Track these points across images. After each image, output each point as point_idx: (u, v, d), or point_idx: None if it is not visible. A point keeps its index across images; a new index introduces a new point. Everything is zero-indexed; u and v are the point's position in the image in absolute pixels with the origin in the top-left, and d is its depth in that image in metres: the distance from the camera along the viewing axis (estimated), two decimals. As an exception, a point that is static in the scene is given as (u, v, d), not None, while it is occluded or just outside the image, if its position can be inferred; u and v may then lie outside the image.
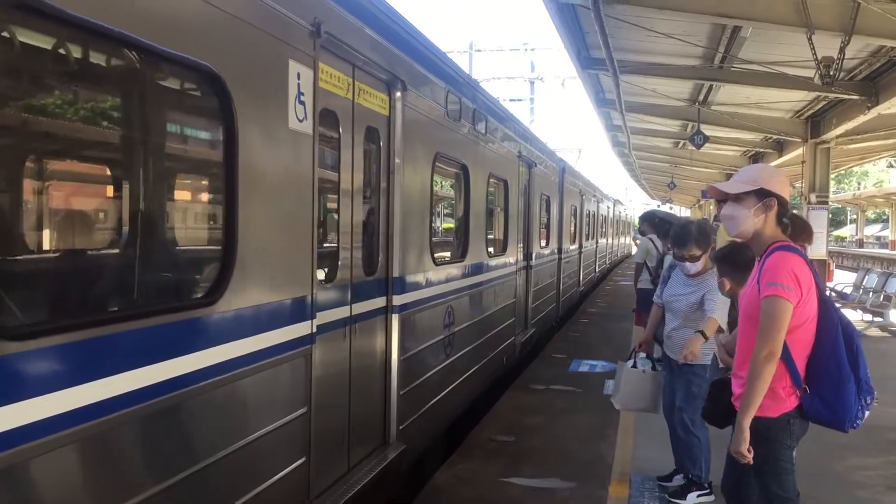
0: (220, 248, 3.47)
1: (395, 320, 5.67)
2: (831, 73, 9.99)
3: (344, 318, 4.97)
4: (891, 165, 71.70)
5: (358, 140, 5.14)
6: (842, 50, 9.79)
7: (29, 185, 3.10)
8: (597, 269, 25.72)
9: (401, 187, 5.74)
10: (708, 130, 18.83)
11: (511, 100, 33.15)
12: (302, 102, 4.14)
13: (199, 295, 3.43)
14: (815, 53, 9.90)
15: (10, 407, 2.33)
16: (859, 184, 76.99)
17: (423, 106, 6.31)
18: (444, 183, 8.17)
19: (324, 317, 4.55)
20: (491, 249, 9.16)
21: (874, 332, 14.85)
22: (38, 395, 2.43)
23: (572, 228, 18.26)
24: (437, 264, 6.84)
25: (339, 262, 4.94)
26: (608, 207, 31.05)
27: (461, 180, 7.93)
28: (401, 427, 5.67)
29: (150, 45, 2.92)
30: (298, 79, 4.09)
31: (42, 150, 3.20)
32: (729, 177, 34.29)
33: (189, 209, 4.03)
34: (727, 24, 11.28)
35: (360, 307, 5.23)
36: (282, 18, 3.93)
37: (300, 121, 4.10)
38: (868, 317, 15.72)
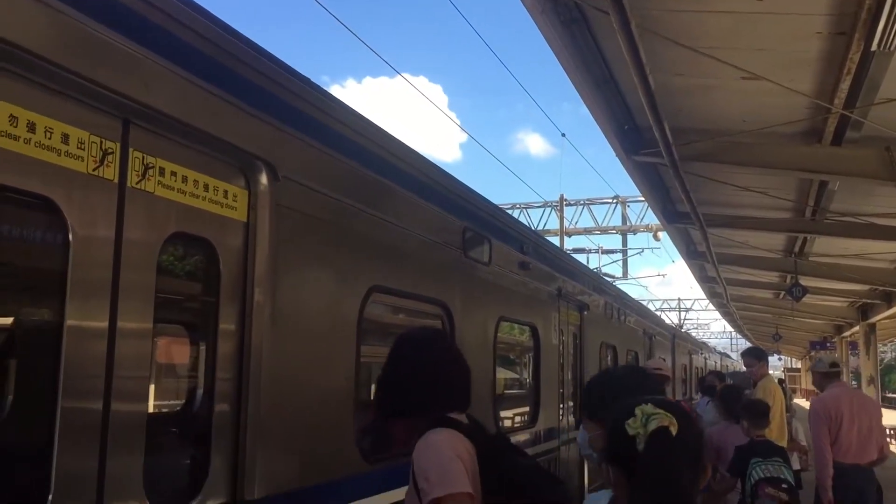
0: None
1: None
2: (927, 225, 9.55)
3: None
4: None
5: None
6: (937, 202, 9.40)
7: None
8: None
9: None
10: (808, 282, 18.16)
11: (604, 251, 33.05)
12: None
13: None
14: (907, 206, 9.54)
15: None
16: None
17: (595, 316, 10.89)
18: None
19: None
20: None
21: None
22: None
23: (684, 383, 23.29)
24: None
25: None
26: (715, 362, 34.95)
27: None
28: None
29: None
30: None
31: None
32: (839, 328, 32.72)
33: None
34: (813, 179, 11.07)
35: None
36: None
37: None
38: None
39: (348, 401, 4.14)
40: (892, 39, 6.27)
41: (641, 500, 1.94)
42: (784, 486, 5.85)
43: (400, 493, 3.09)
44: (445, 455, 2.64)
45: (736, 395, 7.74)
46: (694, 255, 18.77)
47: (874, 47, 6.48)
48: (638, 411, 2.01)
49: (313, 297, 3.97)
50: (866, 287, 20.88)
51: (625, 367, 8.52)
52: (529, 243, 7.73)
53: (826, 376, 7.59)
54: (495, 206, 7.29)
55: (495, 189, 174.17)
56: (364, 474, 4.20)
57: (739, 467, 6.08)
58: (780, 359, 68.26)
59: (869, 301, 23.19)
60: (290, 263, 3.73)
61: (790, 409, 11.67)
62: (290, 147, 3.78)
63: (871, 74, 7.28)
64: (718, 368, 33.43)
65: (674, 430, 1.98)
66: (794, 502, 5.89)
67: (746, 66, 7.24)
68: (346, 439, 4.14)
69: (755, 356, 9.65)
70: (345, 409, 4.12)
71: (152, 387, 3.08)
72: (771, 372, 22.12)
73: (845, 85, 7.61)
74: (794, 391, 40.90)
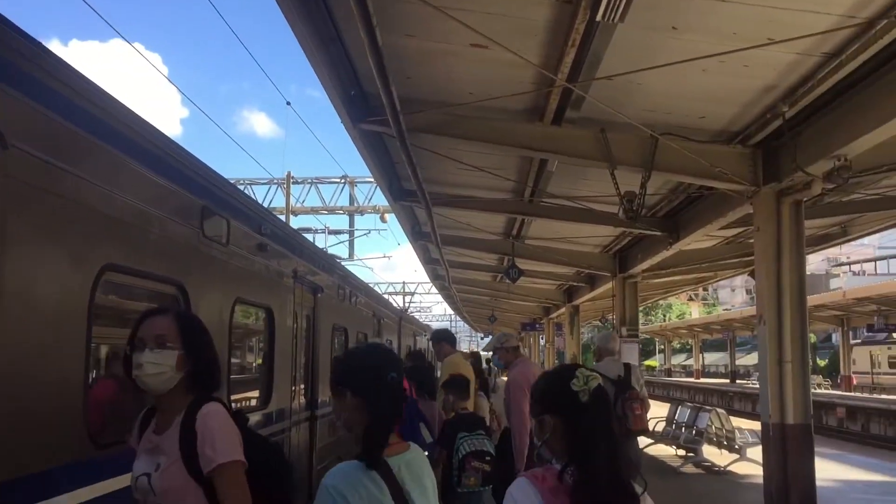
0: None
1: None
2: (634, 207, 10.01)
3: None
4: (691, 299, 77.44)
5: None
6: (643, 185, 9.85)
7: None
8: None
9: None
10: (523, 264, 18.91)
11: (331, 232, 32.62)
12: None
13: None
14: (618, 188, 9.91)
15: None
16: (664, 315, 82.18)
17: (328, 298, 11.36)
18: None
19: None
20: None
21: (689, 468, 14.70)
22: None
23: None
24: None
25: None
26: None
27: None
28: None
29: None
30: None
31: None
32: (547, 310, 35.11)
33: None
34: (534, 158, 11.24)
35: None
36: None
37: None
38: (682, 452, 15.69)
39: (79, 385, 3.99)
40: (617, 11, 6.22)
41: (591, 439, 2.38)
42: (487, 458, 6.55)
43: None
44: (229, 426, 3.02)
45: (424, 373, 8.38)
46: (419, 235, 18.77)
47: (599, 17, 6.39)
48: (578, 373, 2.48)
49: (42, 277, 3.73)
50: (573, 270, 22.34)
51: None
52: (267, 224, 7.83)
53: (516, 351, 8.56)
54: (234, 186, 7.36)
55: (218, 165, 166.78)
56: (95, 459, 4.07)
57: (449, 440, 6.61)
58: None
59: (575, 284, 24.90)
60: (18, 240, 3.46)
61: (495, 386, 12.46)
62: (20, 113, 3.56)
63: (594, 48, 7.28)
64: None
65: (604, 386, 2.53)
66: (494, 472, 6.55)
67: (478, 31, 6.90)
68: (76, 425, 3.97)
69: (434, 339, 10.52)
70: (75, 393, 3.96)
71: None
72: (481, 352, 23.14)
73: (569, 59, 7.56)
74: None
